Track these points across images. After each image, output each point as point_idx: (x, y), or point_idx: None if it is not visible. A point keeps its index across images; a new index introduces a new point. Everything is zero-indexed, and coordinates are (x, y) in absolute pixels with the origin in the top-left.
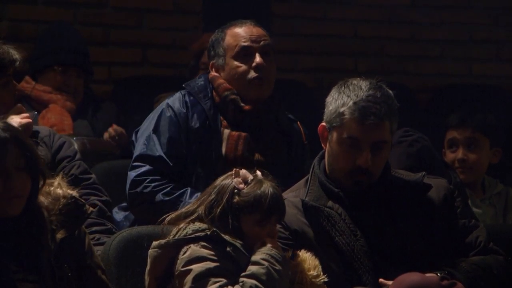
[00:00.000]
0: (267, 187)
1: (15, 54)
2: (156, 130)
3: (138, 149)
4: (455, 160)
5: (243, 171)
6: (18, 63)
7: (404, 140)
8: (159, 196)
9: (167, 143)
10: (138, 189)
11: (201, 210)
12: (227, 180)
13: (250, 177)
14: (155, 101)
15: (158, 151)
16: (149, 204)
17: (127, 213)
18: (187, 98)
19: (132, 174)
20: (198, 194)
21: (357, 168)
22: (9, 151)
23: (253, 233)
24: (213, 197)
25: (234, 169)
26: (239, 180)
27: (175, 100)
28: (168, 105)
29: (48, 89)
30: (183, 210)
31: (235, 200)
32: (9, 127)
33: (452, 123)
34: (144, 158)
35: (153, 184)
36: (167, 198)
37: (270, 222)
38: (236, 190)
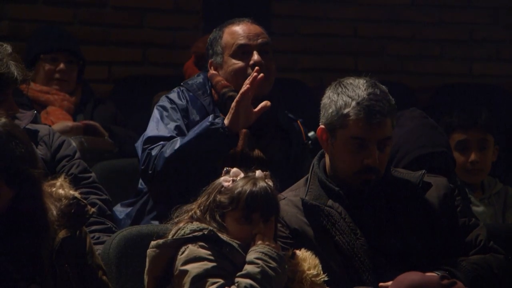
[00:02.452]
0: (250, 184)
1: (17, 73)
2: (162, 118)
3: (149, 131)
4: (467, 162)
5: (234, 169)
6: (18, 83)
7: (417, 115)
8: (167, 149)
9: (174, 129)
10: (153, 153)
11: (196, 209)
12: (219, 179)
13: (241, 175)
14: (154, 101)
15: (170, 132)
16: (162, 165)
17: (129, 210)
18: (186, 94)
19: (142, 153)
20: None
21: (365, 167)
22: None
23: (236, 231)
24: (205, 196)
25: (225, 168)
26: (226, 178)
27: (174, 95)
28: (168, 98)
29: (45, 89)
30: (184, 208)
31: (217, 198)
32: None
33: (461, 125)
34: (155, 139)
35: (161, 144)
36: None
37: (252, 220)
38: (222, 188)
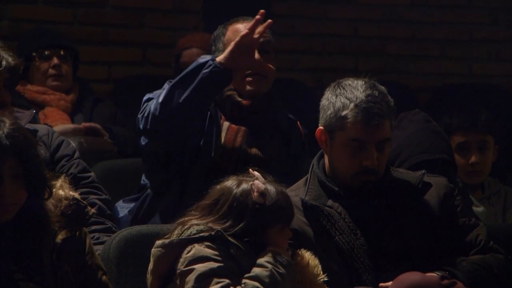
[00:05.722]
0: (284, 195)
1: (8, 58)
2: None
3: (149, 94)
4: (467, 164)
5: (256, 183)
6: (11, 68)
7: (420, 118)
8: (160, 94)
9: None
10: (150, 102)
11: (214, 223)
12: (237, 190)
13: (263, 186)
14: None
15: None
16: (157, 108)
17: (131, 205)
18: None
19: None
20: None
21: (363, 169)
22: (7, 159)
23: (281, 242)
24: (225, 209)
25: (250, 184)
26: (258, 195)
27: None
28: (171, 81)
29: (41, 90)
30: (186, 218)
31: (260, 216)
32: (14, 134)
33: (460, 127)
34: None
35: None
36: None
37: (288, 226)
38: (257, 206)
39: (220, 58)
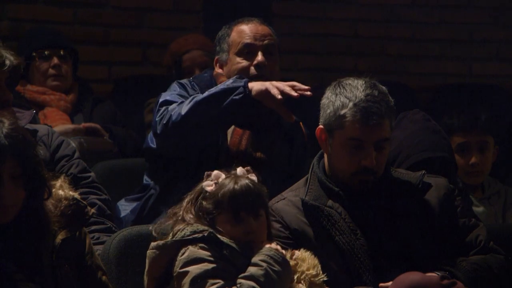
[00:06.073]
0: (231, 184)
1: (8, 57)
2: (177, 92)
3: (165, 95)
4: (467, 165)
5: (215, 172)
6: (6, 67)
7: (419, 118)
8: (186, 102)
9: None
10: (170, 106)
11: (184, 214)
12: (201, 184)
13: (222, 176)
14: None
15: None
16: (179, 116)
17: (134, 205)
18: (195, 85)
19: (157, 111)
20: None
21: (362, 168)
22: (6, 159)
23: (229, 232)
24: (189, 203)
25: (205, 172)
26: (208, 182)
27: (186, 83)
28: (181, 84)
29: (41, 90)
30: (173, 211)
31: (203, 204)
32: (13, 134)
33: (461, 127)
34: (172, 102)
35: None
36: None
37: (242, 218)
38: (207, 194)
39: (251, 87)
